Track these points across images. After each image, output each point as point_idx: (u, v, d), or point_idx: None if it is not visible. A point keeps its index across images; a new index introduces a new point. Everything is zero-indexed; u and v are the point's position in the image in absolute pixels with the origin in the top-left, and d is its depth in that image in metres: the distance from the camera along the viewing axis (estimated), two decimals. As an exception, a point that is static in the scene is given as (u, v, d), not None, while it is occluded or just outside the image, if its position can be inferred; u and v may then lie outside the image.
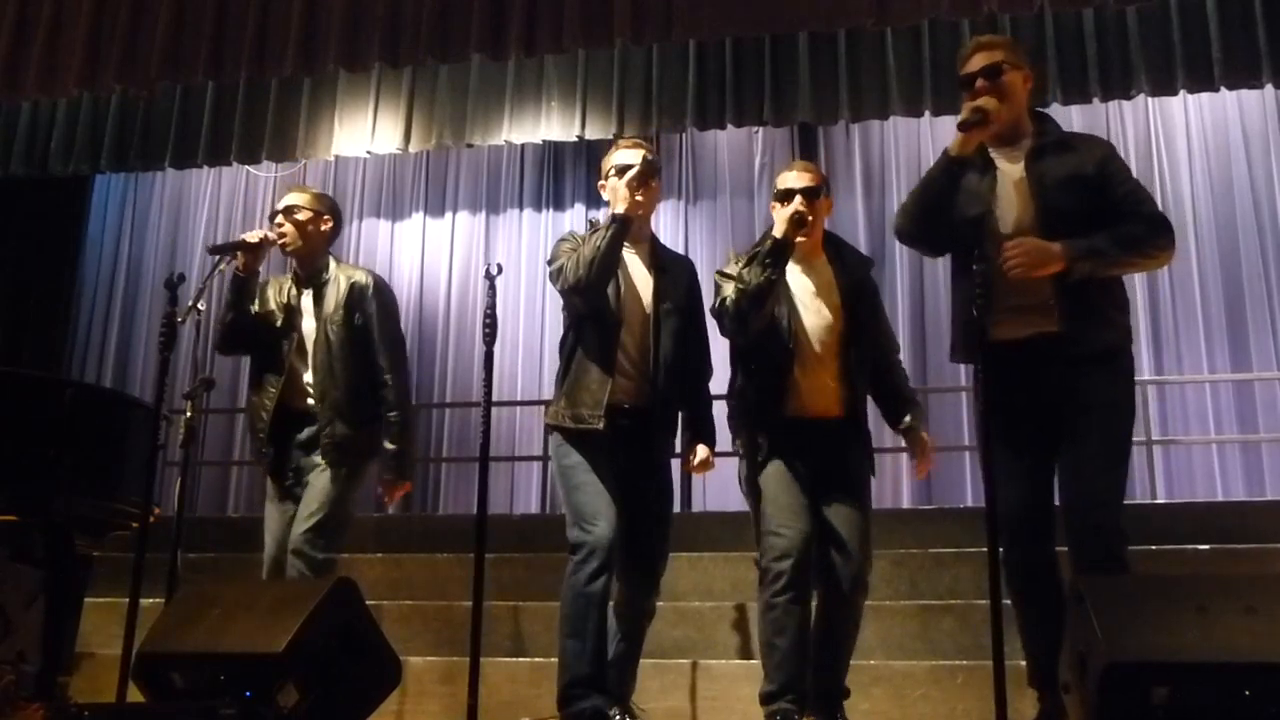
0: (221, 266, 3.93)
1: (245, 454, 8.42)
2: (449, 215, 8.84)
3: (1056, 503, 3.02)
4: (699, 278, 3.67)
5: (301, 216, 3.96)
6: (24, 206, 7.96)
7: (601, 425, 3.34)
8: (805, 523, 3.28)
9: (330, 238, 4.07)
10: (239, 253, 3.87)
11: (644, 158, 3.44)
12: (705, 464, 3.54)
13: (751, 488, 3.41)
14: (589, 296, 3.38)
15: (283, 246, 3.95)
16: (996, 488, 2.80)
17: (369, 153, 7.18)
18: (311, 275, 3.98)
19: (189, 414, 3.88)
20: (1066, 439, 2.97)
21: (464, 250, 8.74)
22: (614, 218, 3.37)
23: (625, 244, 3.43)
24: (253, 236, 3.89)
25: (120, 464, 3.83)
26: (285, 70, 5.78)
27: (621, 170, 3.43)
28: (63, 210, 8.40)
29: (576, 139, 6.90)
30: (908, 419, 3.52)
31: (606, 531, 3.26)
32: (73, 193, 8.45)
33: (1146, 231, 3.00)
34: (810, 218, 3.35)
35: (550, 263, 3.52)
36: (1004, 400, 2.90)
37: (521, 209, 8.72)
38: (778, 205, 3.43)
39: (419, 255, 8.76)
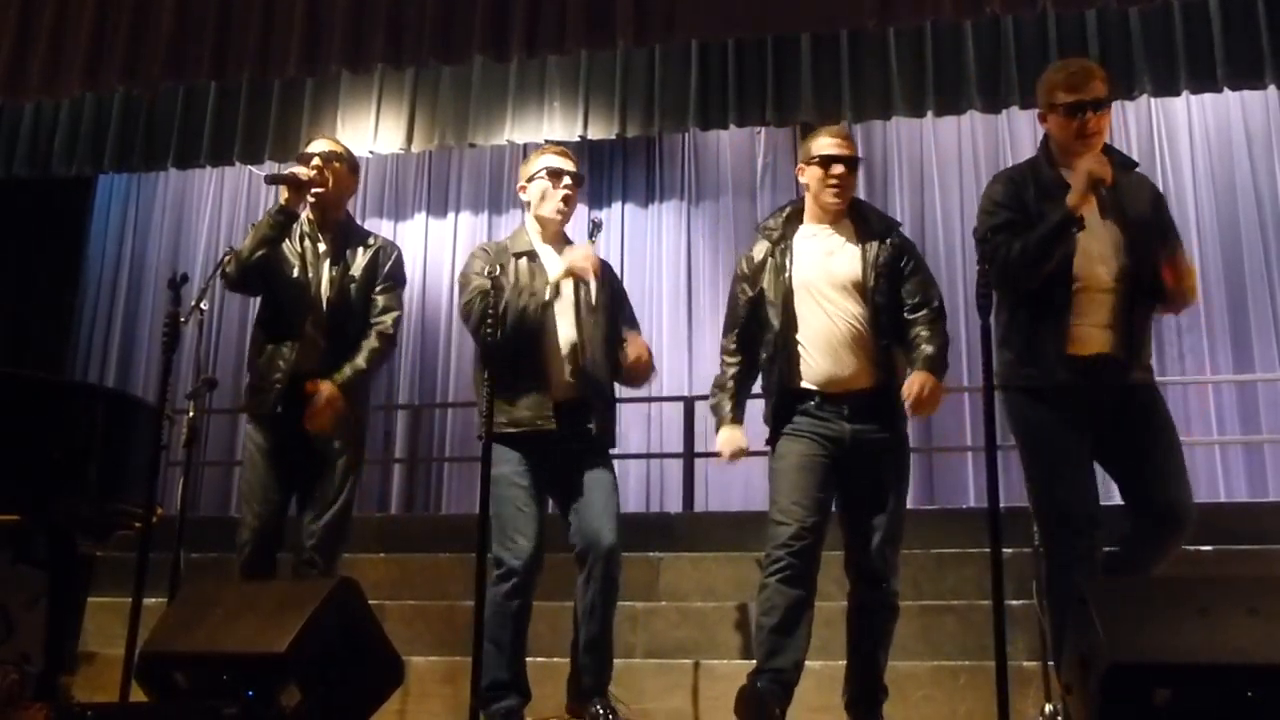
0: (226, 269, 3.92)
1: (248, 454, 8.42)
2: (451, 215, 8.84)
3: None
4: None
5: (341, 167, 3.85)
6: (27, 207, 7.94)
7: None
8: (812, 512, 3.15)
9: (351, 194, 4.02)
10: (287, 188, 3.70)
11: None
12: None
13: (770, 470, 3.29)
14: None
15: (317, 190, 3.78)
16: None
17: (371, 153, 7.18)
18: (328, 228, 3.85)
19: (192, 414, 3.91)
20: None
21: (467, 250, 8.67)
22: None
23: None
24: (305, 174, 3.74)
25: (123, 464, 3.82)
26: (288, 71, 5.78)
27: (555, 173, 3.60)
28: (65, 211, 8.38)
29: (579, 139, 6.88)
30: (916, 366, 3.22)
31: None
32: (75, 193, 8.44)
33: None
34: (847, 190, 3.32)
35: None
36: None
37: (523, 209, 8.69)
38: (805, 168, 3.36)
39: (421, 255, 8.75)
